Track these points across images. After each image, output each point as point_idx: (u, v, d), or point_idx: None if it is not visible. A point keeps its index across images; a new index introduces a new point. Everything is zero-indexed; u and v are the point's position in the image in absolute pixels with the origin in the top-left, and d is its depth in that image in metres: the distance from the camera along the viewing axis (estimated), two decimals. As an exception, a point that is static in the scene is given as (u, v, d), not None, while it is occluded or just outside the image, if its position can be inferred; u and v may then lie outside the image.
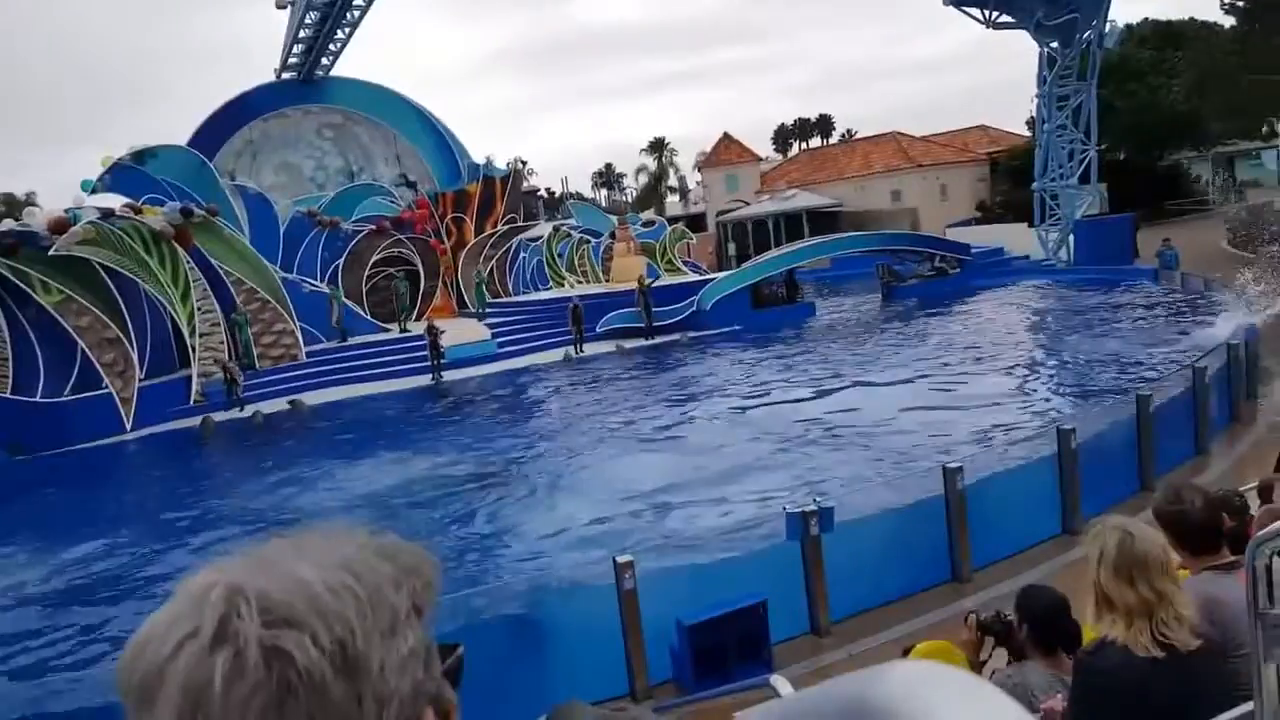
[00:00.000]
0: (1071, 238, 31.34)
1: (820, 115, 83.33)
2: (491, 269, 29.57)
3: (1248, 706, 2.02)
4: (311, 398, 21.57)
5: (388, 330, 26.16)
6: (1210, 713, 2.27)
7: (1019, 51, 73.93)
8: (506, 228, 30.12)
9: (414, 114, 31.05)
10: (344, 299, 25.82)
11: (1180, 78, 40.43)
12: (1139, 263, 29.19)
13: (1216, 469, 10.80)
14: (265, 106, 29.37)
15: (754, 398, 17.67)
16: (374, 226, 28.25)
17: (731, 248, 48.77)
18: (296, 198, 28.94)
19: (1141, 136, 43.19)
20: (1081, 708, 2.68)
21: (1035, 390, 16.51)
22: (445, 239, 29.52)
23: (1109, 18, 29.82)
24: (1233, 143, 45.45)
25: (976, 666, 3.68)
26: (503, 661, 6.99)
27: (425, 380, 22.65)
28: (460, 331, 24.80)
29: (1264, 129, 43.12)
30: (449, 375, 22.87)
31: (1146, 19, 45.57)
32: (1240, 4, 34.98)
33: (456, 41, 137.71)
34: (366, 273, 28.04)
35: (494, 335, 25.35)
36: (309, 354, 23.78)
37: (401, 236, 28.65)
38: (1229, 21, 36.86)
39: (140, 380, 20.32)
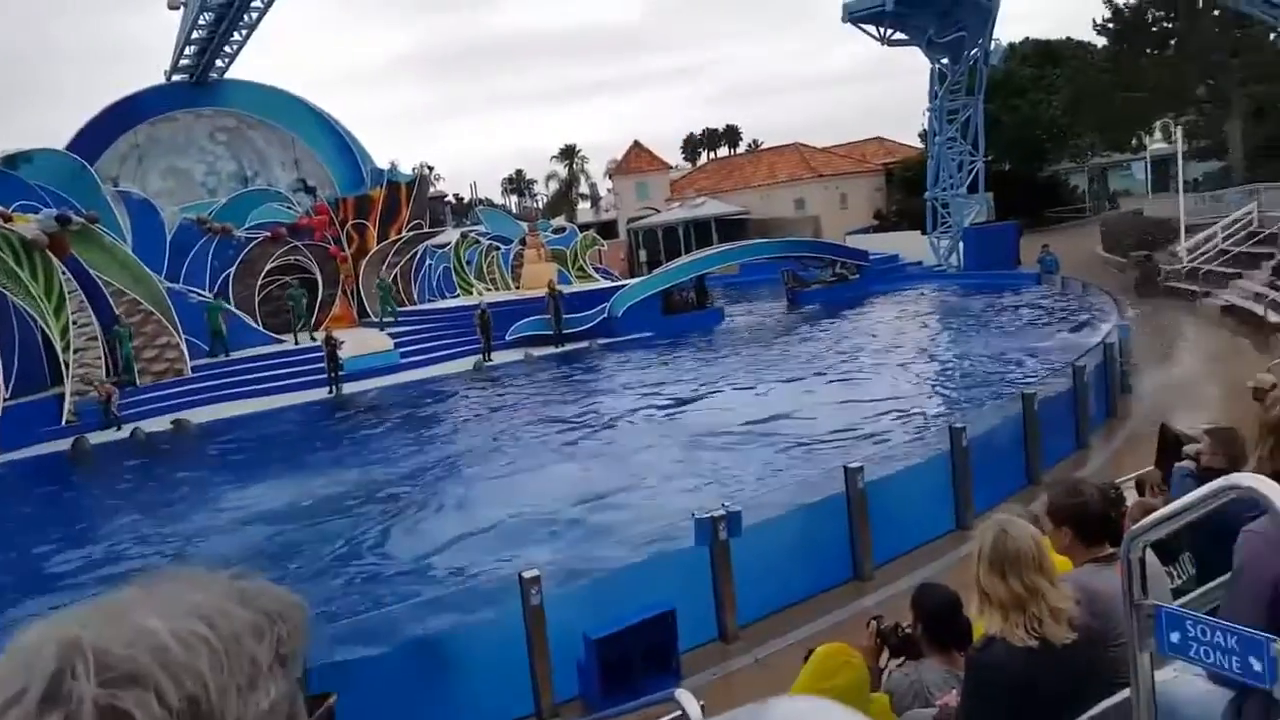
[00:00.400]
0: (961, 245, 32.65)
1: (727, 126, 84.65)
2: (395, 276, 28.90)
3: (1126, 693, 2.12)
4: (199, 415, 20.43)
5: (282, 342, 25.18)
6: (1092, 701, 2.39)
7: (912, 67, 77.36)
8: (411, 234, 29.48)
9: (313, 117, 30.09)
10: (225, 308, 24.44)
11: (1058, 94, 42.73)
12: (1023, 268, 30.60)
13: (1096, 462, 11.39)
14: (153, 109, 28.02)
15: (664, 403, 17.76)
16: (268, 234, 27.19)
17: (643, 254, 49.03)
18: (185, 204, 27.67)
19: (1024, 148, 45.39)
20: (973, 702, 2.78)
21: (929, 390, 17.12)
22: (346, 246, 28.69)
23: (994, 37, 31.25)
24: (1105, 155, 48.21)
25: (875, 672, 3.78)
26: (404, 686, 6.78)
27: (323, 393, 21.89)
28: (361, 342, 24.12)
29: (1133, 142, 45.88)
30: (349, 388, 22.14)
31: (1028, 38, 47.97)
32: (1111, 26, 37.20)
33: (360, 45, 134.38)
34: (260, 282, 26.97)
35: (397, 345, 24.74)
36: (195, 368, 22.62)
37: (298, 244, 27.66)
38: (1102, 42, 39.18)
39: (5, 399, 18.98)
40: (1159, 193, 34.42)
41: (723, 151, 79.97)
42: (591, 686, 6.91)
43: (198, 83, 28.20)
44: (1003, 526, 2.75)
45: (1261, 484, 1.80)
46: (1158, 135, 43.44)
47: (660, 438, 15.05)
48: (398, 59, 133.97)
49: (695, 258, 31.19)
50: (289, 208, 28.45)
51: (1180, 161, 27.40)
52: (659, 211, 53.47)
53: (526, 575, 6.75)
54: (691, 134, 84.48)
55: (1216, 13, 32.52)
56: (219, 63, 27.99)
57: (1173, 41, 36.00)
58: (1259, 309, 17.93)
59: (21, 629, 0.56)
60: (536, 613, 6.73)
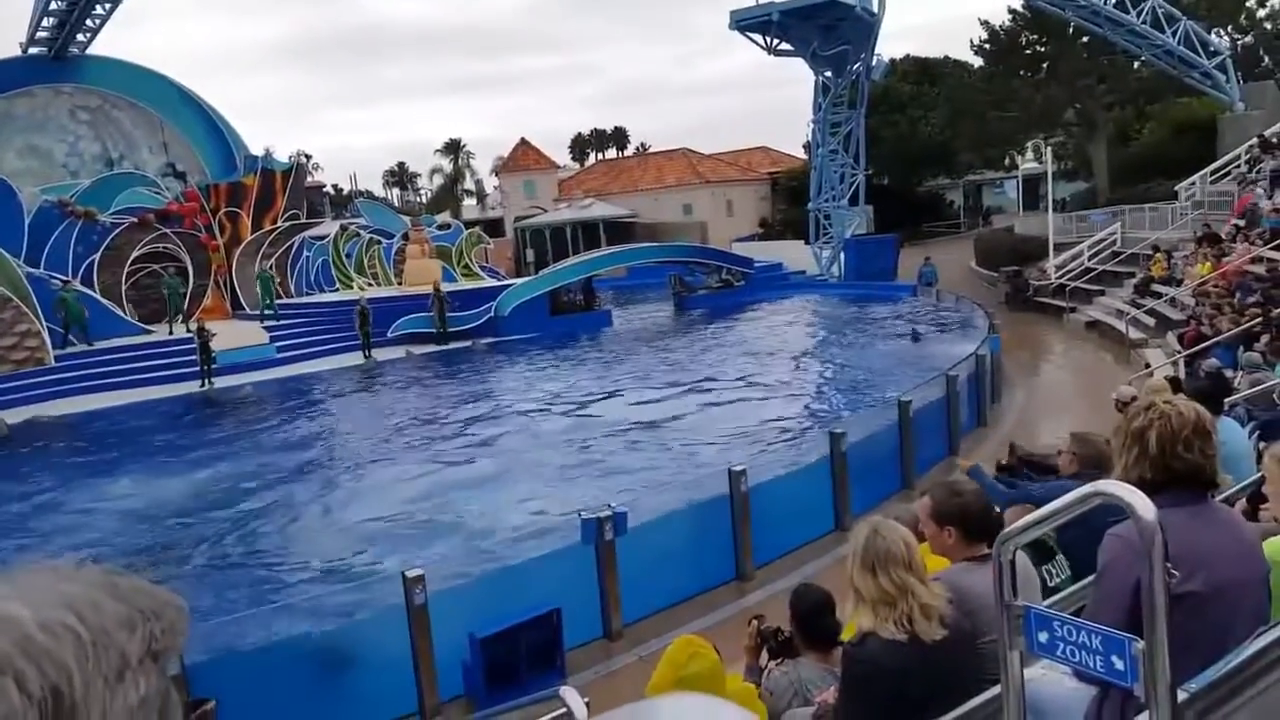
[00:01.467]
0: (842, 255, 33.71)
1: (615, 128, 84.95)
2: (271, 268, 27.72)
3: (997, 689, 2.19)
4: (60, 407, 19.29)
5: (151, 332, 23.87)
6: (964, 697, 2.46)
7: (798, 78, 79.33)
8: (288, 224, 28.38)
9: (184, 100, 28.57)
10: (73, 296, 22.64)
11: (936, 111, 44.74)
12: (901, 279, 31.84)
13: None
14: (8, 83, 26.06)
15: (549, 404, 17.64)
16: (135, 219, 25.71)
17: (530, 254, 48.64)
18: (46, 185, 25.88)
19: (903, 163, 47.34)
20: (849, 697, 2.84)
21: (811, 395, 17.59)
22: (218, 235, 27.37)
23: (876, 52, 32.34)
24: (980, 172, 50.79)
25: (755, 671, 3.83)
26: (285, 687, 6.62)
27: (194, 386, 20.85)
28: (234, 335, 23.07)
29: (1006, 161, 48.54)
30: (222, 382, 21.17)
31: (908, 55, 49.98)
32: (987, 47, 39.20)
33: (233, 27, 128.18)
34: (127, 270, 25.47)
35: (273, 339, 23.76)
36: (59, 358, 21.27)
37: (167, 231, 26.25)
38: (978, 62, 41.25)
39: None
40: (1029, 211, 36.43)
41: (611, 153, 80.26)
42: (477, 685, 6.90)
43: (56, 56, 26.42)
44: (874, 527, 2.84)
45: (1124, 490, 1.88)
46: (1029, 155, 46.11)
47: (546, 438, 14.92)
48: (273, 44, 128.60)
49: (584, 259, 31.13)
50: (157, 193, 27.01)
51: (1050, 181, 29.09)
52: (546, 211, 53.18)
53: (410, 574, 6.70)
54: (580, 134, 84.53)
55: (1085, 39, 34.70)
56: (80, 37, 26.29)
57: (1044, 65, 38.23)
58: (1121, 325, 19.17)
59: None
60: (420, 612, 6.67)
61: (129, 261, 25.44)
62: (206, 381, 20.87)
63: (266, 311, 25.78)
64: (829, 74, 32.53)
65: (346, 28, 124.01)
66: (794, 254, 37.88)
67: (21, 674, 0.51)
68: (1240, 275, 15.27)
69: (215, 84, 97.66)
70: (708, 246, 37.59)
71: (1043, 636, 1.98)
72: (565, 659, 7.22)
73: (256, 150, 29.69)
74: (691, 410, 16.09)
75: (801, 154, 50.76)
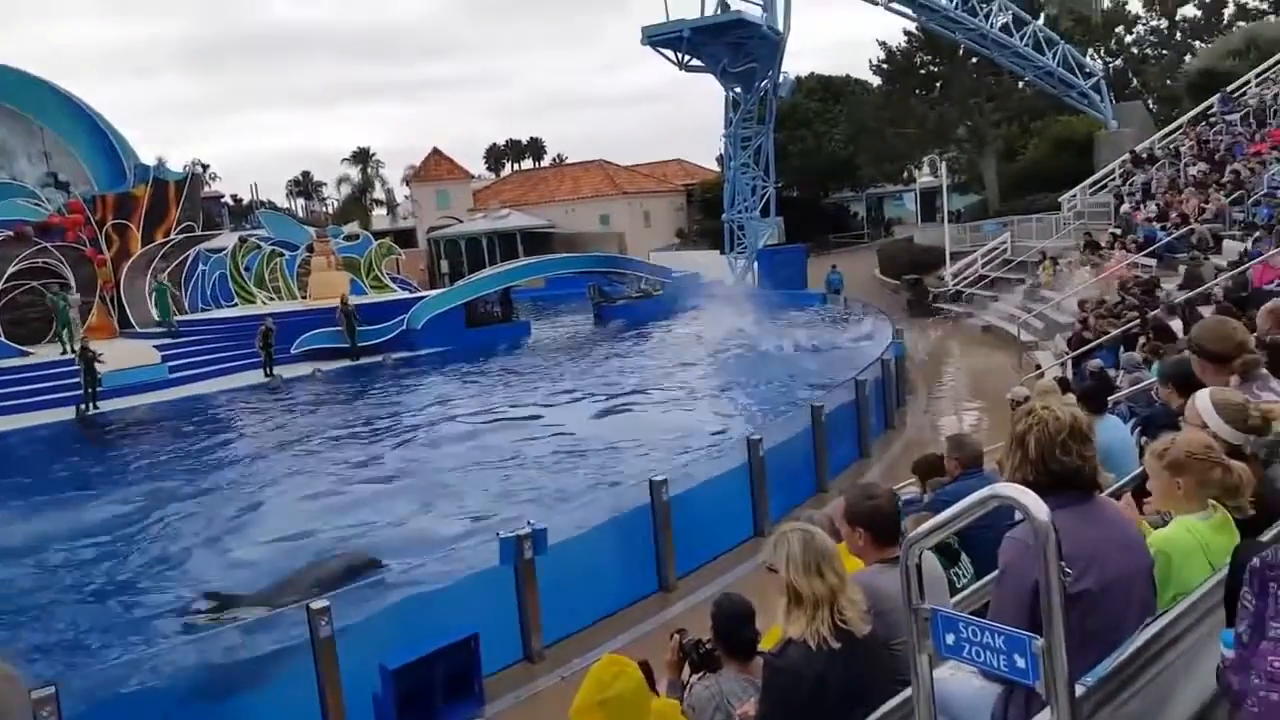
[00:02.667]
0: (756, 265, 34.32)
1: (531, 138, 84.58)
2: (166, 280, 26.50)
3: (909, 692, 2.26)
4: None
5: (27, 354, 22.31)
6: (880, 699, 2.53)
7: (711, 92, 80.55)
8: (182, 237, 27.13)
9: (67, 106, 26.98)
10: None
11: (839, 128, 46.14)
12: (811, 288, 32.58)
13: (876, 470, 12.27)
14: None
15: (467, 419, 17.33)
16: (12, 232, 24.16)
17: (444, 265, 47.92)
18: (-90, 196, 24.19)
19: (810, 176, 48.59)
20: (770, 705, 2.88)
21: (729, 402, 17.79)
22: (105, 248, 25.98)
23: (783, 70, 33.14)
24: (881, 185, 52.45)
25: (678, 686, 3.85)
26: None
27: (77, 411, 19.62)
28: (123, 354, 21.81)
29: (904, 175, 50.25)
30: (109, 405, 19.91)
31: (813, 73, 51.26)
32: (885, 67, 40.66)
33: (120, 28, 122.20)
34: (1, 286, 23.83)
35: (165, 358, 22.62)
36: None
37: (48, 245, 24.68)
38: (877, 81, 42.74)
39: None
40: (927, 222, 37.88)
41: (527, 164, 79.86)
42: (389, 719, 6.59)
43: (-77, 58, 24.70)
44: (807, 530, 2.91)
45: (1018, 493, 1.97)
46: (925, 169, 47.85)
47: (459, 455, 14.60)
48: (165, 46, 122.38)
49: (501, 270, 30.89)
50: (36, 204, 25.39)
51: (945, 194, 30.33)
52: (461, 221, 52.55)
53: (315, 606, 6.35)
54: (495, 144, 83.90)
55: (975, 61, 36.32)
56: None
57: (938, 85, 39.93)
58: (1013, 328, 20.03)
59: None
60: (326, 644, 6.34)
61: (5, 277, 23.83)
62: (91, 405, 19.65)
63: (164, 326, 24.63)
64: (738, 90, 33.16)
65: (245, 31, 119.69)
66: (711, 264, 38.36)
67: None
68: (1118, 280, 16.16)
69: (101, 89, 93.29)
70: (626, 257, 37.75)
71: (950, 638, 2.04)
72: (484, 686, 7.01)
73: (148, 159, 28.49)
74: (611, 421, 16.08)
75: (715, 167, 51.48)
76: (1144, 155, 25.87)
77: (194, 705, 6.47)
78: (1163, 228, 17.84)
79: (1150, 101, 40.27)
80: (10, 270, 23.73)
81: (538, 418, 16.89)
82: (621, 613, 8.28)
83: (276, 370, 22.79)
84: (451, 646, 6.69)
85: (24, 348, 22.47)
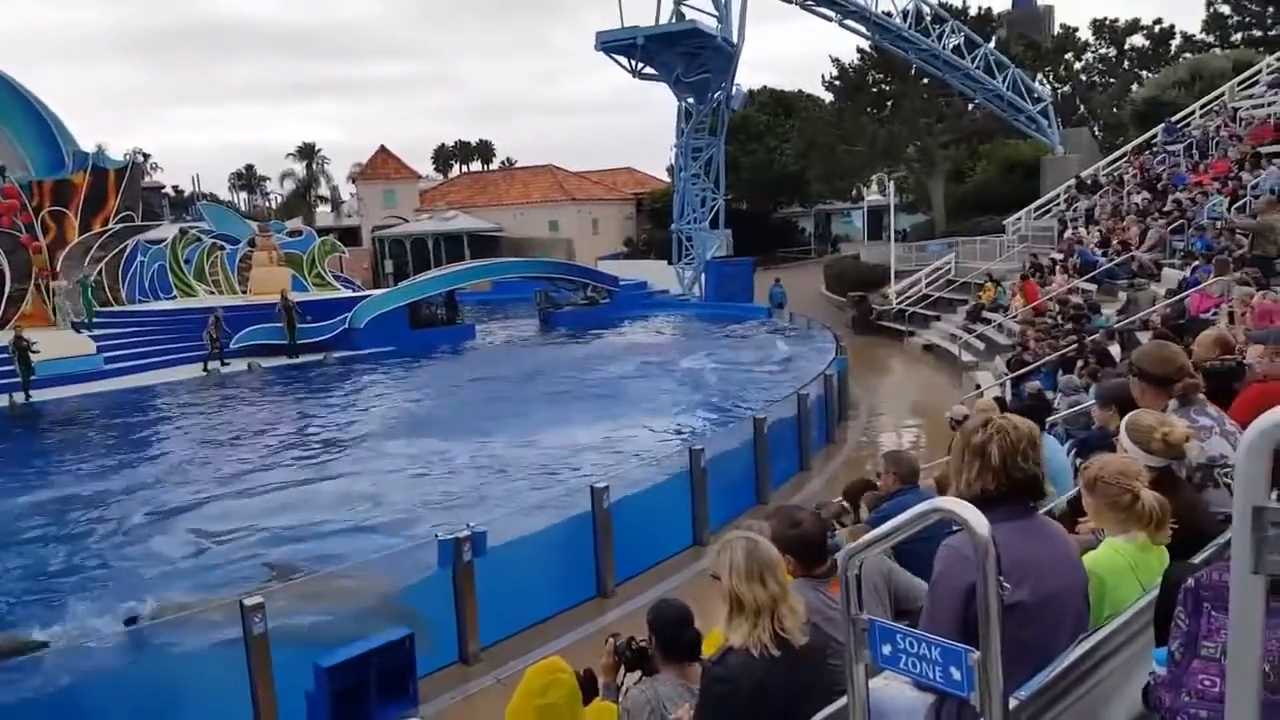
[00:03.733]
0: (703, 276, 34.52)
1: (481, 140, 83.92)
2: (101, 273, 25.76)
3: (844, 701, 2.26)
4: None
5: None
6: (816, 708, 2.53)
7: (663, 102, 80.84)
8: (120, 226, 26.39)
9: (3, 89, 26.19)
10: None
11: (790, 142, 46.64)
12: (757, 301, 32.89)
13: (817, 483, 12.39)
14: None
15: (406, 420, 17.12)
16: (-58, 215, 23.36)
17: (389, 265, 47.28)
18: None
19: (759, 190, 49.07)
20: (707, 712, 2.87)
21: (672, 412, 17.81)
22: (40, 235, 25.20)
23: (735, 81, 33.43)
24: (830, 202, 53.22)
25: (614, 689, 3.82)
26: None
27: (9, 400, 19.06)
28: (57, 344, 21.25)
29: (853, 192, 51.07)
30: (41, 395, 19.45)
31: (765, 87, 51.86)
32: (837, 83, 41.23)
33: (62, 12, 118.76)
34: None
35: (100, 349, 22.05)
36: None
37: (-19, 229, 23.93)
38: (829, 97, 43.32)
39: None
40: (874, 240, 38.48)
41: (475, 166, 79.27)
42: (321, 717, 6.51)
43: None
44: (750, 538, 2.91)
45: (959, 507, 1.99)
46: (874, 188, 48.71)
47: (395, 457, 14.41)
48: (105, 34, 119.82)
49: (447, 271, 30.59)
50: (-31, 188, 24.57)
51: (892, 213, 30.82)
52: (407, 221, 51.95)
53: (248, 602, 6.30)
54: (443, 144, 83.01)
55: (926, 81, 37.05)
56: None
57: (889, 104, 40.56)
58: (954, 348, 20.43)
59: None
60: (259, 642, 6.30)
61: (-67, 262, 23.02)
62: (25, 394, 19.13)
63: (84, 320, 23.95)
64: (691, 100, 33.36)
65: (189, 21, 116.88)
66: (658, 273, 38.51)
67: None
68: (1058, 304, 16.58)
69: (39, 74, 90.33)
70: (574, 263, 37.69)
71: (886, 649, 2.05)
72: (418, 686, 6.98)
73: (87, 146, 27.58)
74: (554, 425, 15.97)
75: (665, 176, 51.70)
76: (1088, 181, 26.62)
77: (125, 697, 6.33)
78: (1104, 253, 18.35)
79: (1096, 128, 41.56)
80: (-63, 254, 22.87)
81: (477, 419, 16.68)
82: (560, 616, 8.25)
83: (213, 365, 22.27)
84: (386, 645, 6.67)
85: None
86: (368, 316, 25.60)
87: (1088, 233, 21.09)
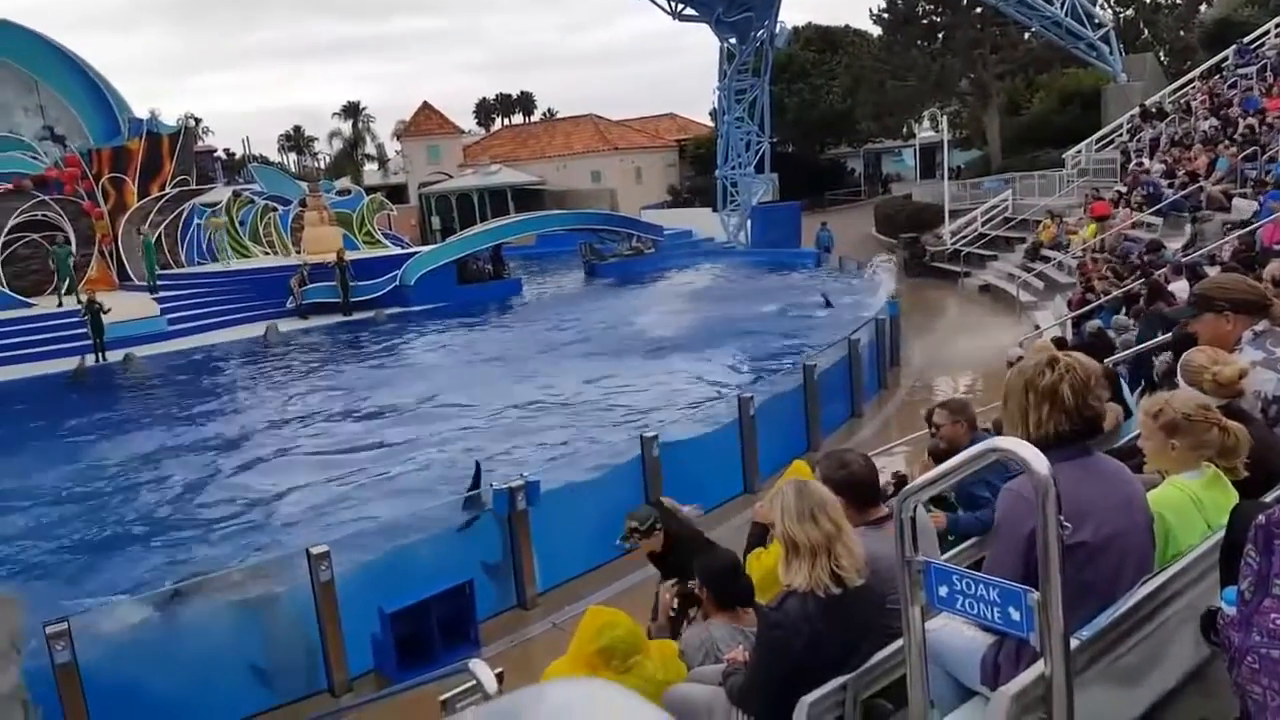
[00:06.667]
0: (749, 222, 34.07)
1: (522, 92, 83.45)
2: (160, 237, 26.36)
3: (900, 643, 2.26)
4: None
5: (31, 305, 22.50)
6: (872, 650, 2.54)
7: (705, 45, 79.06)
8: (176, 191, 26.95)
9: (61, 59, 26.66)
10: None
11: (837, 80, 45.38)
12: (805, 246, 32.41)
13: (869, 429, 12.29)
14: None
15: (459, 373, 17.36)
16: (10, 185, 24.04)
17: (436, 221, 47.56)
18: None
19: (806, 131, 47.98)
20: (765, 655, 2.89)
21: (720, 360, 17.77)
22: (102, 202, 25.85)
23: (779, 19, 32.54)
24: (879, 141, 51.85)
25: (677, 624, 3.92)
26: (189, 665, 6.45)
27: (74, 363, 19.73)
28: (123, 306, 21.91)
29: (904, 129, 49.65)
30: (111, 356, 20.16)
31: (810, 23, 50.42)
32: (886, 17, 39.87)
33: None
34: (3, 239, 23.82)
35: (164, 310, 22.67)
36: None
37: (46, 198, 24.60)
38: (877, 31, 41.94)
39: None
40: (926, 179, 37.42)
41: (517, 119, 78.88)
42: (388, 660, 6.80)
43: (-84, 9, 24.35)
44: (797, 483, 2.91)
45: (1019, 446, 1.94)
46: (926, 124, 47.28)
47: (454, 407, 14.71)
48: (157, 1, 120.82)
49: (492, 226, 30.62)
50: (34, 158, 25.29)
51: (945, 150, 29.91)
52: (451, 177, 52.04)
53: (315, 551, 6.56)
54: (485, 99, 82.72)
55: (979, 10, 35.62)
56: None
57: (940, 35, 39.09)
58: (1012, 288, 19.92)
59: None
60: (326, 588, 6.55)
61: (6, 230, 23.81)
62: (100, 356, 19.89)
63: (147, 283, 24.64)
64: (733, 40, 32.61)
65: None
66: (703, 221, 38.09)
67: None
68: (1122, 240, 16.03)
69: (90, 41, 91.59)
70: (617, 214, 37.46)
71: (943, 590, 2.03)
72: (479, 630, 7.18)
73: (142, 113, 28.10)
74: (601, 375, 16.07)
75: (709, 121, 50.84)
76: (1153, 110, 25.46)
77: (202, 639, 6.65)
78: (1170, 185, 17.62)
79: (1162, 53, 39.56)
80: (11, 223, 23.67)
81: (532, 371, 16.91)
82: (613, 564, 8.36)
83: (274, 322, 22.81)
84: (447, 592, 6.92)
85: (27, 299, 22.55)
86: (418, 273, 25.83)
87: (1152, 163, 20.25)
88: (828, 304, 21.78)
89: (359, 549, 7.66)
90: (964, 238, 26.68)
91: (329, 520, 9.96)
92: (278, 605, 7.00)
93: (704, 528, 5.49)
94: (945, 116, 34.99)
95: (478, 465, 9.71)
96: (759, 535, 4.59)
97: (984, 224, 26.80)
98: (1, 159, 24.43)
